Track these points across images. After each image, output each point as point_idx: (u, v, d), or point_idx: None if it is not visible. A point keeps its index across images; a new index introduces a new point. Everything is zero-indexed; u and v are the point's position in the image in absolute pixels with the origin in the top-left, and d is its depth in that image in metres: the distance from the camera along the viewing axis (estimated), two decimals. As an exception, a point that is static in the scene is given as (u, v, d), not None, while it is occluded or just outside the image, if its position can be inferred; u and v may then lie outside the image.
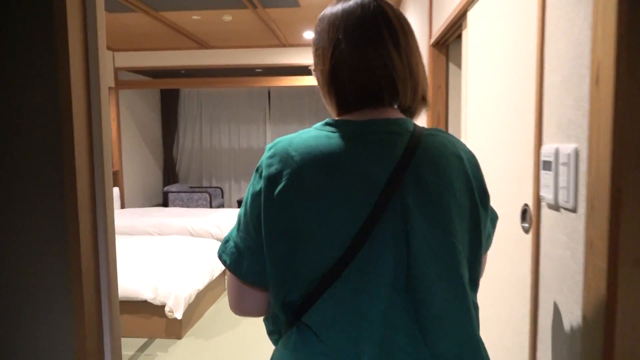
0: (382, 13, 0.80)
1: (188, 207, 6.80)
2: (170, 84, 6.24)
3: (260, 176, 0.77)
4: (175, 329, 3.20)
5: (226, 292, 3.86)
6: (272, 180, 0.75)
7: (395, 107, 0.83)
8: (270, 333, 0.88)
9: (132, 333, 3.22)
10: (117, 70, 6.16)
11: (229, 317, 3.56)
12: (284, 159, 0.76)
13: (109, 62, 6.03)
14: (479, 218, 0.81)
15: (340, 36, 0.78)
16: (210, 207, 6.77)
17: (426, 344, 0.74)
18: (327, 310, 0.74)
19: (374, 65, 0.78)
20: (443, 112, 2.37)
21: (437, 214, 0.76)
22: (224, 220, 4.92)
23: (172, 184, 7.61)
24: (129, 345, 3.10)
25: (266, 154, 0.78)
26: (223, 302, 3.89)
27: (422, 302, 0.74)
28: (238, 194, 7.90)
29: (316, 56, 0.83)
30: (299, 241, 0.74)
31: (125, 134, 6.55)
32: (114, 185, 6.19)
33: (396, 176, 0.75)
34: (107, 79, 1.47)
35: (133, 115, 6.83)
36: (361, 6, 0.80)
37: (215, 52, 6.01)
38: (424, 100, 0.85)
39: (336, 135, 0.77)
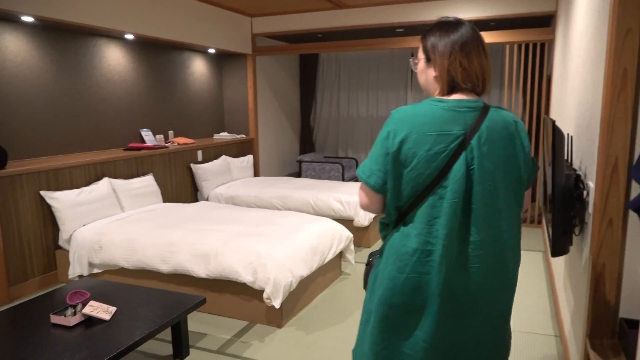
0: (477, 34, 1.37)
1: (320, 177, 6.56)
2: (306, 48, 5.95)
3: (387, 129, 1.35)
4: (275, 317, 2.91)
5: (340, 278, 3.44)
6: (396, 132, 1.33)
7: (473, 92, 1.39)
8: (381, 231, 1.50)
9: (233, 314, 3.04)
10: (254, 37, 6.07)
11: (337, 308, 3.17)
12: (404, 118, 1.34)
13: (246, 29, 5.95)
14: (519, 165, 1.37)
15: (456, 47, 1.34)
16: (342, 179, 6.43)
17: (474, 233, 1.32)
18: (420, 211, 1.33)
19: (476, 69, 1.36)
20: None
21: (489, 161, 1.31)
22: (349, 196, 4.51)
23: (308, 153, 7.46)
24: (228, 328, 2.91)
25: (394, 115, 1.36)
26: (335, 289, 3.52)
27: (472, 209, 1.31)
28: (374, 166, 7.46)
29: (433, 56, 1.38)
30: (408, 169, 1.32)
31: (261, 101, 6.51)
32: (248, 153, 6.21)
33: (468, 134, 1.31)
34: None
35: (270, 82, 6.75)
36: (465, 28, 1.37)
37: (352, 12, 5.51)
38: (488, 89, 1.41)
39: (438, 106, 1.34)
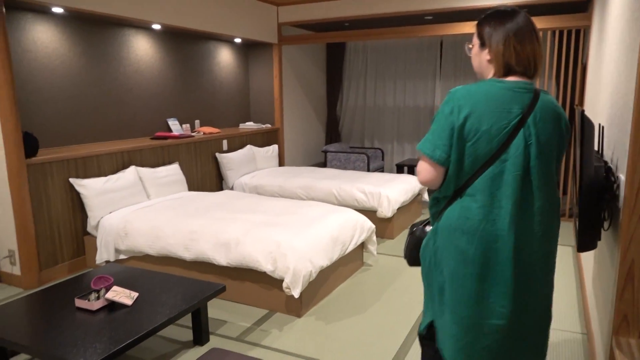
0: (531, 22, 1.49)
1: (345, 168, 6.53)
2: (332, 37, 5.89)
3: (451, 105, 1.46)
4: (295, 306, 2.92)
5: (362, 269, 3.42)
6: (460, 107, 1.45)
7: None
8: (432, 207, 1.62)
9: (253, 303, 3.06)
10: (280, 26, 6.04)
11: (358, 299, 3.15)
12: (468, 95, 1.46)
13: (272, 18, 5.93)
14: (563, 142, 1.54)
15: (510, 34, 1.48)
16: (368, 169, 6.38)
17: (532, 201, 1.46)
18: (480, 184, 1.46)
19: (528, 54, 1.48)
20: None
21: (544, 137, 1.46)
22: (373, 187, 4.47)
23: (334, 143, 7.42)
24: (248, 316, 2.93)
25: (457, 93, 1.47)
26: (355, 280, 3.50)
27: (531, 180, 1.45)
28: (400, 156, 7.34)
29: (489, 42, 1.52)
30: (471, 143, 1.45)
31: (287, 91, 6.50)
32: (273, 143, 6.22)
33: (526, 113, 1.45)
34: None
35: (296, 71, 6.73)
36: (520, 16, 1.49)
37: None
38: (539, 72, 1.55)
39: (498, 86, 1.47)
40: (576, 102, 4.94)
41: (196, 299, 2.44)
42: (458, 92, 1.47)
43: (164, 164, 4.48)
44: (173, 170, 4.40)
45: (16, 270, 3.40)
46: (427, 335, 1.70)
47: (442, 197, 1.56)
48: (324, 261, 2.98)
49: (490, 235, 1.45)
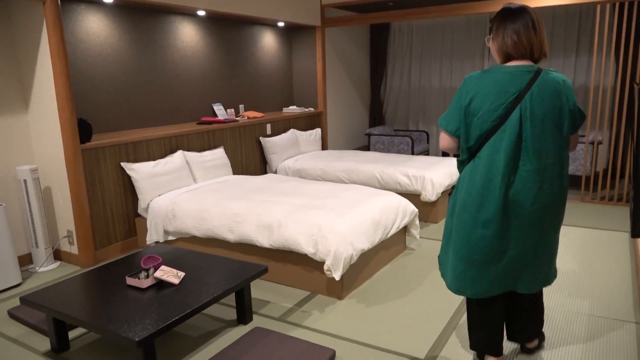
0: (529, 16, 1.84)
1: (389, 151, 6.45)
2: (376, 17, 5.77)
3: (462, 89, 1.89)
4: (336, 289, 2.94)
5: (404, 253, 3.39)
6: (467, 91, 1.87)
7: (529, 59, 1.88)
8: (458, 167, 2.03)
9: (296, 284, 3.11)
10: (323, 8, 5.99)
11: (400, 282, 3.13)
12: (473, 81, 1.86)
13: (315, 0, 5.88)
14: (565, 113, 1.84)
15: (508, 30, 1.85)
16: (412, 152, 6.28)
17: (527, 162, 1.82)
18: (485, 150, 1.85)
19: (524, 43, 1.84)
20: None
21: (539, 110, 1.80)
22: (416, 170, 4.40)
23: (377, 126, 7.34)
24: (290, 296, 2.99)
25: (467, 80, 1.88)
26: (398, 263, 3.47)
27: (524, 147, 1.81)
28: (446, 139, 7.17)
29: (493, 35, 1.92)
30: (476, 117, 1.84)
31: (330, 74, 6.46)
32: (316, 127, 6.22)
33: (522, 91, 1.79)
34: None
35: (339, 53, 6.67)
36: (520, 14, 1.85)
37: (424, -23, 5.24)
38: (544, 55, 1.89)
39: (501, 71, 1.84)
40: (638, 78, 4.64)
41: (240, 279, 2.51)
42: (469, 78, 1.90)
43: (209, 148, 4.60)
44: (218, 155, 4.51)
45: (74, 250, 3.61)
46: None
47: (462, 160, 2.01)
48: (365, 244, 2.98)
49: (487, 187, 1.86)
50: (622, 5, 4.83)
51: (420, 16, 5.47)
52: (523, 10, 1.84)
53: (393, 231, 3.34)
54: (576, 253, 3.57)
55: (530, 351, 2.29)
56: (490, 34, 1.94)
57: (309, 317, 2.73)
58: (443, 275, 2.13)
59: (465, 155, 1.95)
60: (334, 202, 3.33)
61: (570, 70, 6.14)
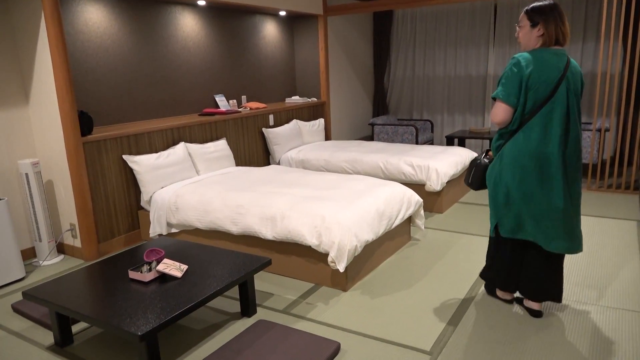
0: (562, 10, 2.26)
1: (393, 141, 6.40)
2: (379, 5, 5.69)
3: (518, 66, 2.21)
4: (340, 280, 2.92)
5: (409, 244, 3.35)
6: (526, 66, 2.20)
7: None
8: (496, 141, 2.40)
9: (300, 276, 3.08)
10: (325, -4, 5.91)
11: (405, 273, 3.11)
12: (529, 59, 2.22)
13: (317, -12, 5.80)
14: (580, 93, 2.32)
15: (558, 20, 2.24)
16: (416, 142, 6.22)
17: (570, 130, 2.26)
18: (537, 119, 2.24)
19: (564, 32, 2.27)
20: None
21: (574, 86, 2.26)
22: (421, 159, 4.35)
23: (381, 115, 7.28)
24: (294, 288, 2.97)
25: (521, 57, 2.23)
26: (402, 254, 3.45)
27: (570, 116, 2.25)
28: (451, 128, 7.10)
29: (544, 23, 2.24)
30: (533, 90, 2.21)
31: (333, 63, 6.40)
32: (320, 117, 6.17)
33: (565, 69, 2.23)
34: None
35: (342, 42, 6.60)
36: (558, 7, 2.25)
37: (428, -37, 5.15)
38: (568, 43, 2.32)
39: (548, 52, 2.24)
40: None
41: (243, 272, 2.48)
42: (522, 56, 2.23)
43: (211, 139, 4.56)
44: (221, 146, 4.47)
45: (77, 243, 3.60)
46: (495, 236, 2.51)
47: (507, 132, 2.32)
48: (370, 235, 2.94)
49: (544, 154, 2.25)
50: (630, -10, 4.73)
51: (424, 3, 5.38)
52: (558, 4, 2.28)
53: (398, 222, 3.30)
54: (584, 242, 3.53)
55: (537, 314, 2.53)
56: (522, 23, 2.30)
57: (313, 309, 2.71)
58: (501, 229, 2.44)
59: (516, 126, 2.28)
60: (338, 193, 3.30)
61: (577, 57, 6.04)
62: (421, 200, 3.58)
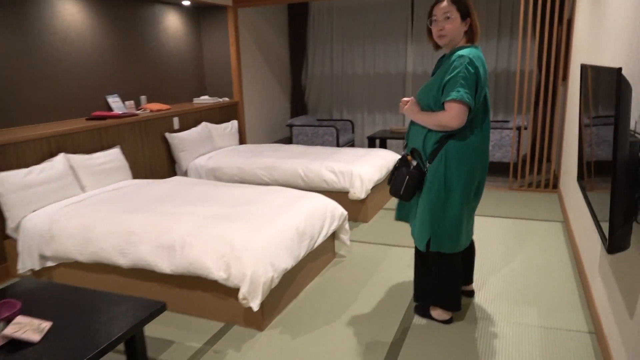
0: None
1: (313, 143, 6.02)
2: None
3: (473, 65, 2.02)
4: (255, 318, 2.45)
5: (334, 262, 2.95)
6: (478, 67, 2.03)
7: None
8: (434, 144, 2.16)
9: (207, 315, 2.57)
10: (234, -15, 5.37)
11: (331, 299, 2.70)
12: (476, 58, 2.04)
13: (224, -24, 5.24)
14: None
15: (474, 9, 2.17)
16: (337, 144, 5.88)
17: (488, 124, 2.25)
18: (478, 118, 2.16)
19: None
20: None
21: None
22: (343, 165, 3.99)
23: (300, 115, 6.87)
24: (200, 331, 2.45)
25: (471, 56, 2.03)
26: (327, 276, 3.05)
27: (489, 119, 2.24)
28: (372, 127, 6.86)
29: (472, 16, 2.13)
30: (480, 91, 2.07)
31: (246, 59, 5.87)
32: (232, 119, 5.63)
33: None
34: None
35: (256, 37, 6.08)
36: None
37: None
38: None
39: (477, 48, 2.12)
40: (562, 62, 4.53)
41: (127, 325, 1.93)
42: (471, 54, 2.05)
43: (102, 148, 3.87)
44: (113, 156, 3.81)
45: None
46: (434, 252, 2.29)
47: (447, 135, 2.13)
48: (289, 262, 2.50)
49: (484, 152, 2.19)
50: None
51: (340, -4, 5.02)
52: None
53: (320, 240, 2.90)
54: (516, 249, 3.35)
55: (473, 293, 2.69)
56: (451, 15, 2.09)
57: (223, 359, 2.22)
58: (454, 245, 2.25)
59: (459, 128, 2.10)
60: (252, 210, 2.82)
61: (492, 54, 6.01)
62: (346, 212, 3.21)
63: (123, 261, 2.62)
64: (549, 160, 5.40)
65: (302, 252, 2.66)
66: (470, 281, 2.69)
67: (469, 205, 2.26)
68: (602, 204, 1.65)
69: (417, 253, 2.41)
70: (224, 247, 2.40)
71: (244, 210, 2.81)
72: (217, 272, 2.35)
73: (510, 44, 5.93)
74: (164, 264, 2.50)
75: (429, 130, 2.16)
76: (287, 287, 2.66)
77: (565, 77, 4.62)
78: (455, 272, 2.32)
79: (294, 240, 2.60)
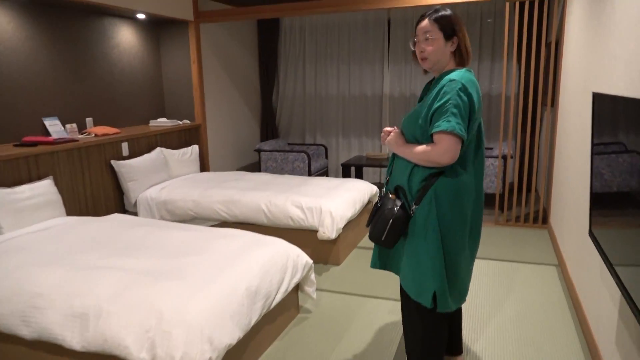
0: None
1: (282, 169, 5.54)
2: (261, 12, 4.82)
3: (466, 92, 1.71)
4: (190, 408, 1.91)
5: (297, 319, 2.46)
6: (472, 94, 1.72)
7: None
8: (419, 183, 1.81)
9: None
10: (196, -1, 4.92)
11: (291, 377, 2.19)
12: (469, 83, 1.73)
13: (184, -12, 4.79)
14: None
15: (464, 29, 1.84)
16: (309, 171, 5.42)
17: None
18: (469, 154, 1.82)
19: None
20: None
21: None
22: (311, 199, 3.51)
23: (270, 139, 6.40)
24: None
25: (464, 82, 1.72)
26: (289, 338, 2.54)
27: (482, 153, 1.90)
28: (347, 153, 6.41)
29: (460, 34, 1.81)
30: (474, 121, 1.76)
31: (210, 79, 5.39)
32: (194, 143, 5.12)
33: None
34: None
35: (221, 55, 5.62)
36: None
37: (315, -34, 4.42)
38: None
39: (470, 72, 1.80)
40: (550, 86, 4.19)
41: None
42: (464, 79, 1.75)
43: (30, 180, 3.32)
44: (42, 189, 3.25)
45: None
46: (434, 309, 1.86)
47: (435, 172, 1.79)
48: (235, 334, 1.99)
49: (478, 190, 1.89)
50: (522, 5, 4.38)
51: (312, 10, 4.62)
52: None
53: (279, 298, 2.40)
54: (512, 299, 2.90)
55: None
56: (433, 35, 1.81)
57: None
58: (458, 300, 1.93)
59: (457, 160, 1.80)
60: (194, 262, 2.31)
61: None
62: (311, 261, 2.72)
63: (26, 332, 2.07)
64: (536, 190, 5.04)
65: (254, 318, 2.15)
66: (460, 351, 2.22)
67: (471, 251, 1.93)
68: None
69: (405, 303, 1.98)
70: (149, 318, 1.88)
71: (184, 264, 2.30)
72: (138, 354, 1.82)
73: (491, 67, 5.61)
74: (74, 339, 1.96)
75: (415, 165, 1.82)
76: (235, 359, 2.14)
77: (554, 103, 4.27)
78: (443, 332, 1.97)
79: (242, 304, 2.10)
